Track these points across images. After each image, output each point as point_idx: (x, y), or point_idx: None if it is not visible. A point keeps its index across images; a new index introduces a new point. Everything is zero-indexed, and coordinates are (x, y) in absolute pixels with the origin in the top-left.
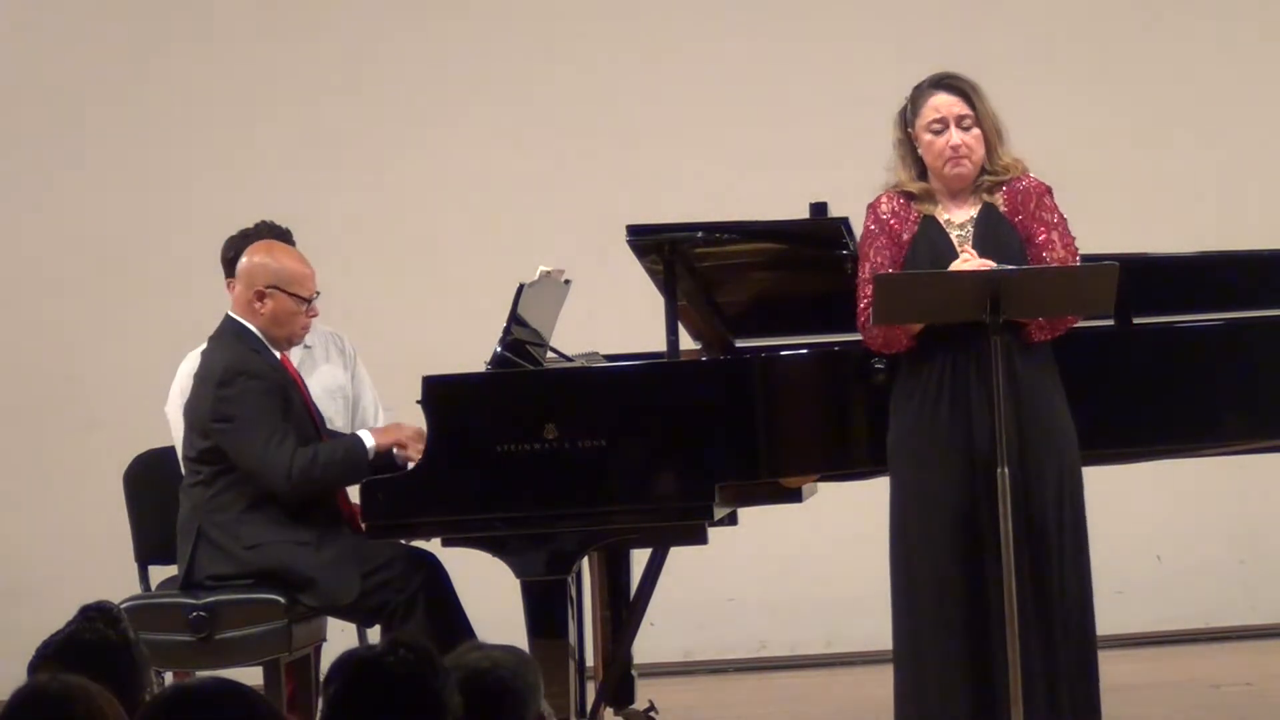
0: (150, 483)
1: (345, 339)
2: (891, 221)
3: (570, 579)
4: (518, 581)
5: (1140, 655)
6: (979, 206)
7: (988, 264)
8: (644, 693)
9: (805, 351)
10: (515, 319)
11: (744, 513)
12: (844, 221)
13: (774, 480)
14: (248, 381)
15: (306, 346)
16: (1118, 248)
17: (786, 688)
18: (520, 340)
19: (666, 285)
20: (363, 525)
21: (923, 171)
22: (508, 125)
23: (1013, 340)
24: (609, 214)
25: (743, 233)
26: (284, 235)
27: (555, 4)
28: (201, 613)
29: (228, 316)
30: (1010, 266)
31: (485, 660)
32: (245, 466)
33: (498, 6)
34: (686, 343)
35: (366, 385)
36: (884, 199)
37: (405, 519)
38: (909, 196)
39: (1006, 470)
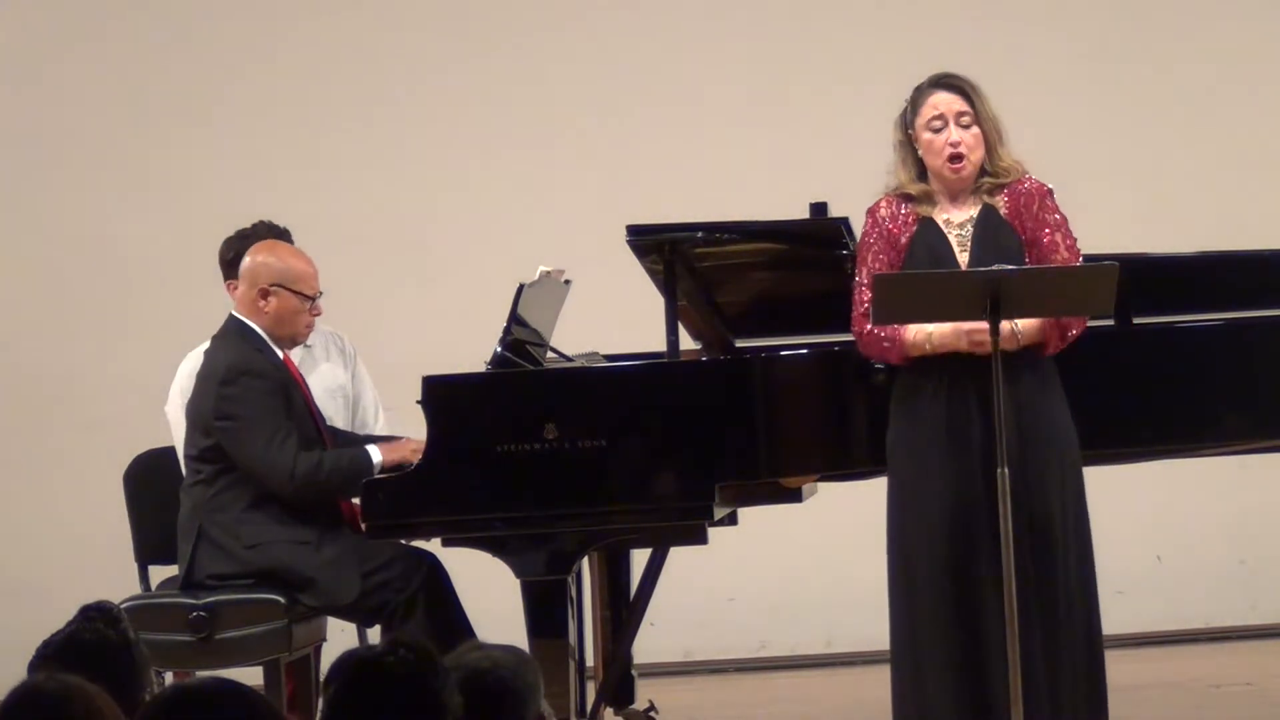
0: (150, 483)
1: (345, 338)
2: (889, 225)
3: (570, 579)
4: (518, 581)
5: (1140, 655)
6: (979, 207)
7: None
8: (644, 693)
9: (805, 351)
10: (515, 319)
11: (744, 513)
12: (844, 221)
13: (774, 480)
14: (251, 380)
15: (307, 346)
16: (1118, 248)
17: (786, 688)
18: (520, 340)
19: (666, 285)
20: (363, 525)
21: (923, 173)
22: (508, 125)
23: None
24: (609, 214)
25: (743, 233)
26: (283, 235)
27: (556, 4)
28: (201, 613)
29: (231, 316)
30: (1010, 266)
31: (485, 660)
32: (246, 466)
33: (498, 7)
34: (686, 343)
35: (367, 385)
36: (882, 203)
37: (405, 519)
38: (907, 199)
39: (1006, 470)
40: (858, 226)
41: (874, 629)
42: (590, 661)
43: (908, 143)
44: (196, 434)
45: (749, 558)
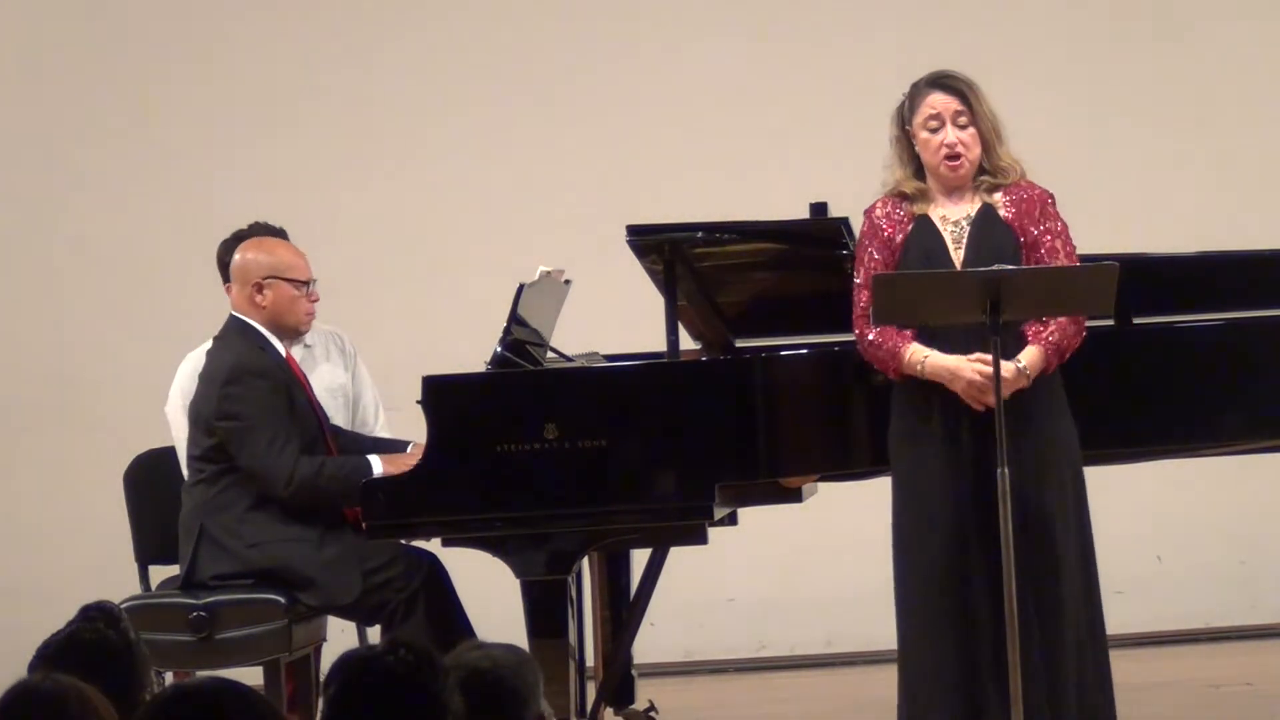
0: (150, 483)
1: (345, 338)
2: (884, 225)
3: (570, 579)
4: (518, 581)
5: (1140, 655)
6: (978, 205)
7: (979, 369)
8: (644, 693)
9: (805, 351)
10: (515, 319)
11: (744, 513)
12: (844, 221)
13: (774, 480)
14: (254, 380)
15: (307, 345)
16: (1118, 248)
17: (786, 688)
18: (520, 340)
19: (666, 285)
20: (363, 525)
21: (919, 169)
22: (508, 125)
23: (1015, 347)
24: (609, 214)
25: (743, 233)
26: (278, 235)
27: (556, 4)
28: (201, 613)
29: (231, 316)
30: (1010, 266)
31: (485, 660)
32: (246, 466)
33: (498, 6)
34: (686, 343)
35: (367, 384)
36: (878, 204)
37: (405, 519)
38: (903, 198)
39: (1007, 470)
40: (857, 226)
41: (874, 629)
42: (590, 661)
43: (904, 138)
44: (199, 434)
45: (749, 558)
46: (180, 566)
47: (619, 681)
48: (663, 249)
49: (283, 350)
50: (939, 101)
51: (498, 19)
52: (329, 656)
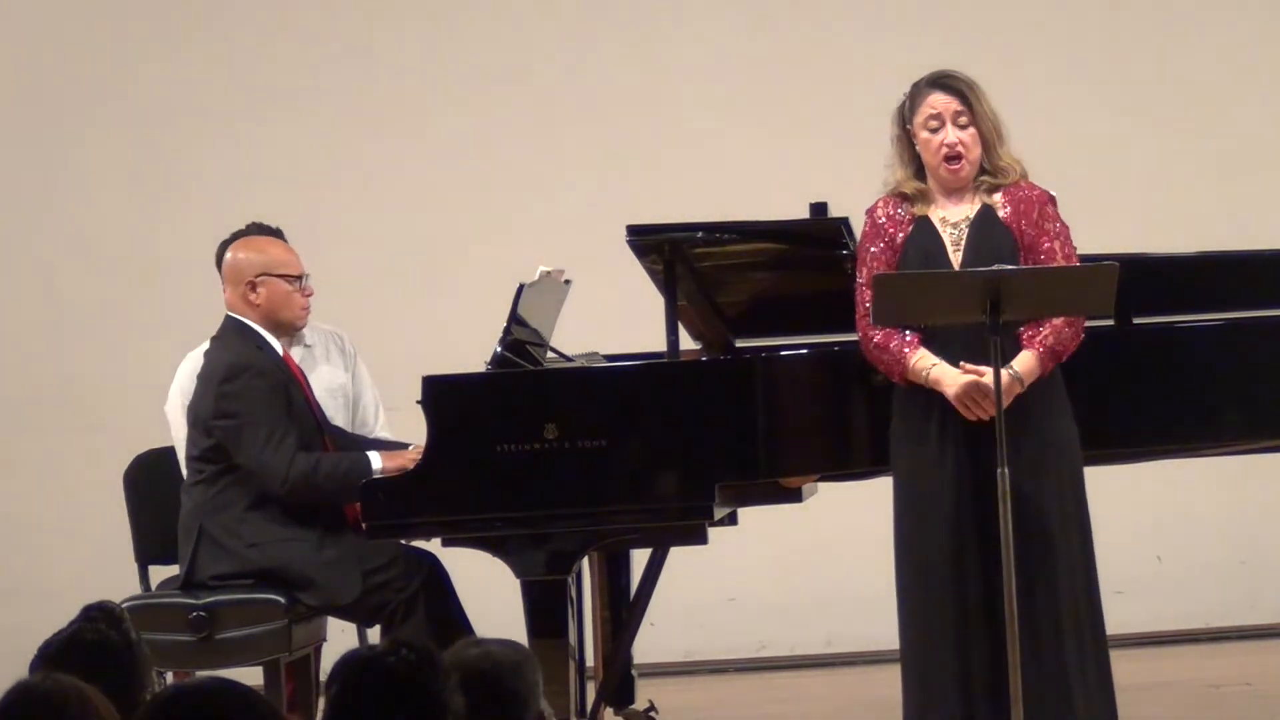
0: (150, 483)
1: (345, 338)
2: (886, 226)
3: (570, 579)
4: (518, 581)
5: (1140, 655)
6: (978, 206)
7: (975, 376)
8: (644, 693)
9: (805, 351)
10: (515, 319)
11: (744, 513)
12: (844, 221)
13: (774, 480)
14: (252, 379)
15: (307, 345)
16: (1118, 247)
17: (786, 688)
18: (520, 340)
19: (666, 285)
20: (363, 525)
21: (920, 169)
22: (507, 125)
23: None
24: (609, 214)
25: (743, 233)
26: (274, 235)
27: (556, 3)
28: (201, 613)
29: (228, 316)
30: (1010, 266)
31: (485, 660)
32: (244, 463)
33: (497, 6)
34: (686, 343)
35: (367, 384)
36: (879, 204)
37: (405, 519)
38: (904, 198)
39: (1007, 470)
40: (858, 226)
41: (874, 629)
42: (590, 661)
43: (905, 138)
44: (198, 434)
45: (749, 558)
46: (180, 566)
47: (619, 681)
48: (663, 249)
49: (280, 349)
50: (939, 101)
51: (498, 18)
52: (329, 656)
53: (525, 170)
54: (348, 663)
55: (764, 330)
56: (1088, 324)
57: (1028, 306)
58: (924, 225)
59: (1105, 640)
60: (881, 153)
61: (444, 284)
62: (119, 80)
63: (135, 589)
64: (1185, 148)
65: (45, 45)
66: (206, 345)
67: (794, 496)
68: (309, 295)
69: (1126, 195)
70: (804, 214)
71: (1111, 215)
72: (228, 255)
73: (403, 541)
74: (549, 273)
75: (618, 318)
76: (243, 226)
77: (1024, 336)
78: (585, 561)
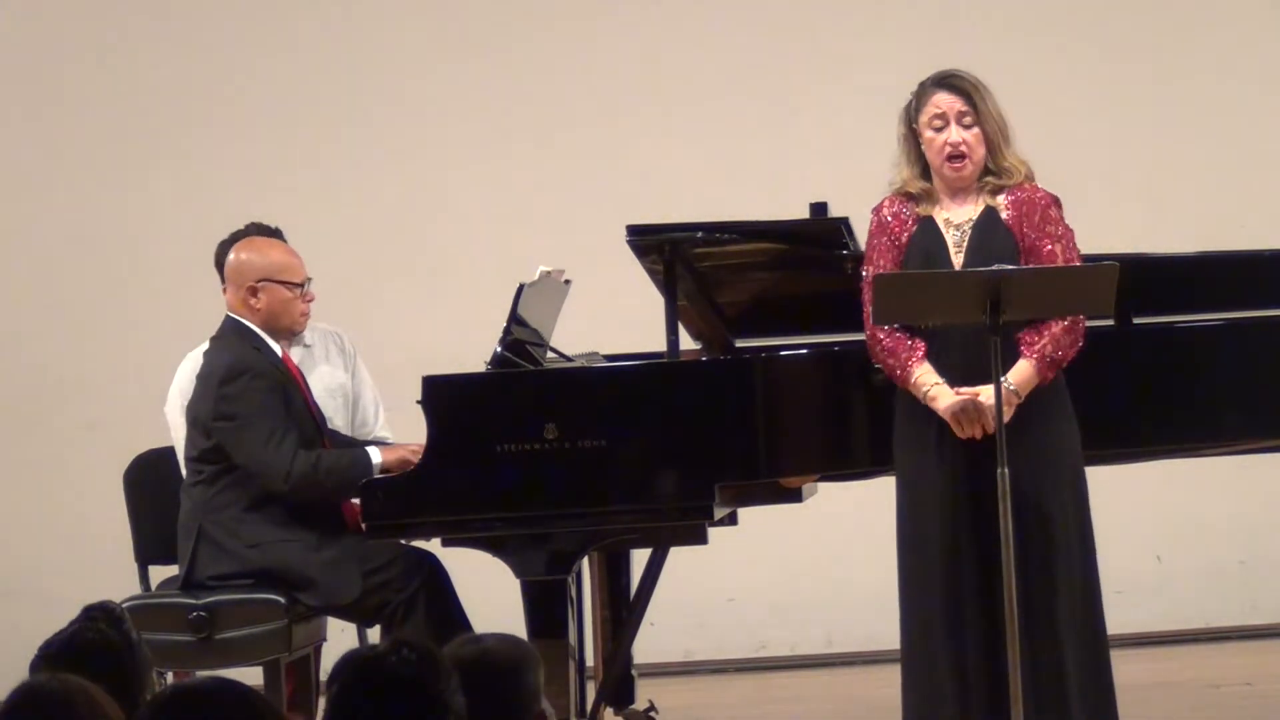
0: (150, 483)
1: (345, 337)
2: (892, 224)
3: (570, 579)
4: (518, 581)
5: (1140, 655)
6: (981, 208)
7: (971, 394)
8: (644, 693)
9: (805, 351)
10: (515, 319)
11: (744, 513)
12: (844, 221)
13: (774, 480)
14: (251, 380)
15: (306, 345)
16: (1118, 248)
17: (786, 688)
18: (520, 340)
19: (666, 285)
20: (363, 525)
21: (926, 169)
22: (508, 125)
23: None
24: (609, 214)
25: (743, 233)
26: (273, 235)
27: (556, 4)
28: (201, 613)
29: (227, 316)
30: (1010, 266)
31: (484, 658)
32: (244, 463)
33: (497, 7)
34: (686, 343)
35: (366, 384)
36: (886, 202)
37: (405, 519)
38: (910, 197)
39: (1007, 470)
40: (858, 226)
41: (874, 629)
42: (590, 661)
43: (911, 136)
44: (197, 435)
45: (749, 558)
46: (179, 567)
47: (619, 681)
48: (663, 249)
49: (280, 351)
50: (944, 101)
51: (498, 18)
52: (329, 656)
53: (525, 170)
54: (348, 663)
55: (764, 330)
56: (1088, 324)
57: (1028, 306)
58: (928, 226)
59: (1105, 640)
60: (882, 153)
61: (444, 284)
62: (120, 81)
63: (135, 589)
64: (1185, 148)
65: (45, 46)
66: (206, 345)
67: (794, 496)
68: (310, 301)
69: (1127, 196)
70: (804, 214)
71: (1112, 215)
72: (230, 256)
73: (403, 541)
74: (549, 273)
75: (618, 318)
76: (242, 226)
77: (1023, 343)
78: (585, 561)
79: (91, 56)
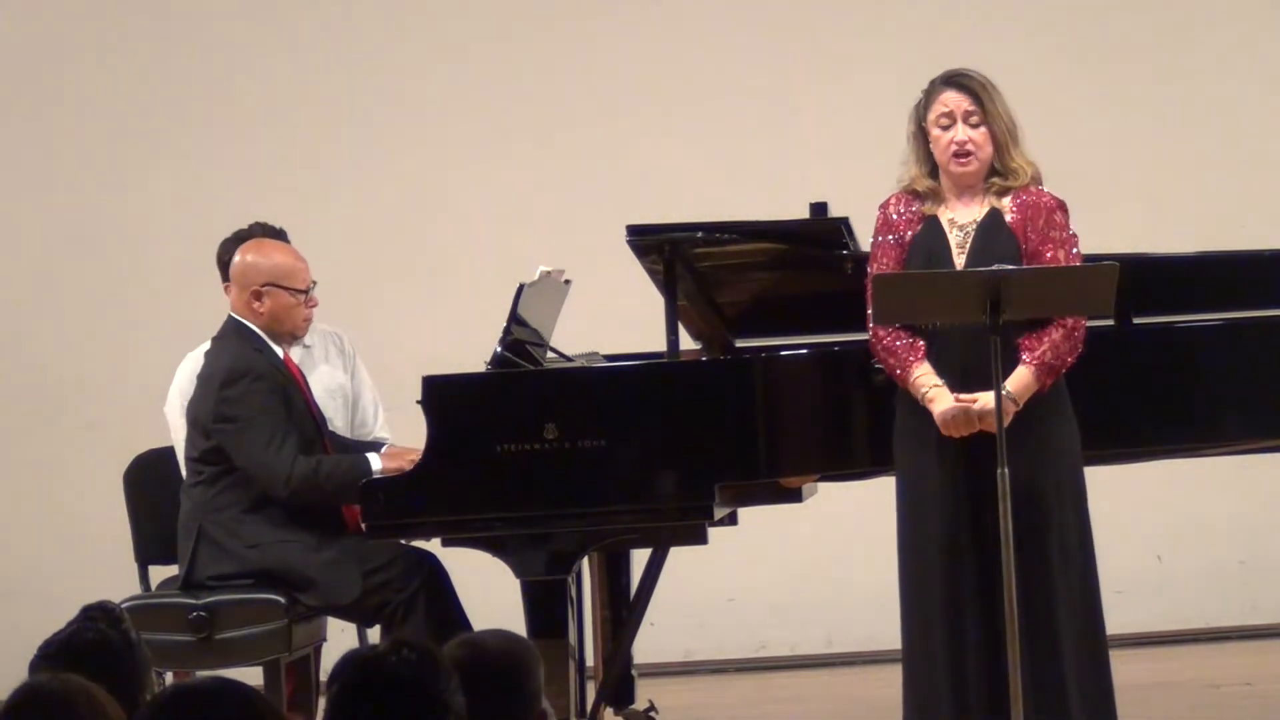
0: (150, 483)
1: (345, 338)
2: (898, 222)
3: (570, 579)
4: (518, 581)
5: (1140, 655)
6: (986, 209)
7: (968, 402)
8: (644, 693)
9: (805, 351)
10: (515, 319)
11: (744, 513)
12: (844, 221)
13: (774, 480)
14: (251, 383)
15: (306, 346)
16: (1118, 248)
17: (786, 688)
18: (520, 340)
19: (666, 285)
20: (363, 525)
21: (934, 168)
22: (508, 125)
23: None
24: (609, 214)
25: (743, 233)
26: (278, 235)
27: (555, 4)
28: (201, 613)
29: (229, 317)
30: (1010, 266)
31: (485, 660)
32: (244, 466)
33: (497, 7)
34: (686, 343)
35: (366, 384)
36: (892, 200)
37: (405, 519)
38: (916, 195)
39: (1007, 470)
40: (858, 226)
41: (874, 629)
42: (590, 661)
43: (920, 135)
44: (197, 436)
45: (749, 558)
46: (179, 567)
47: (619, 681)
48: (663, 249)
49: (280, 352)
50: (951, 99)
51: (498, 18)
52: (329, 656)
53: (525, 170)
54: (348, 663)
55: (764, 330)
56: (1088, 324)
57: (1028, 306)
58: (932, 225)
59: (1105, 641)
60: (881, 153)
61: (444, 284)
62: (120, 81)
63: (135, 589)
64: (1185, 148)
65: (46, 47)
66: (207, 345)
67: (794, 496)
68: (313, 306)
69: (1127, 195)
70: (804, 214)
71: (1112, 215)
72: (236, 257)
73: (402, 541)
74: (549, 273)
75: (618, 318)
76: (244, 226)
77: (1023, 348)
78: (585, 561)
79: (91, 56)
